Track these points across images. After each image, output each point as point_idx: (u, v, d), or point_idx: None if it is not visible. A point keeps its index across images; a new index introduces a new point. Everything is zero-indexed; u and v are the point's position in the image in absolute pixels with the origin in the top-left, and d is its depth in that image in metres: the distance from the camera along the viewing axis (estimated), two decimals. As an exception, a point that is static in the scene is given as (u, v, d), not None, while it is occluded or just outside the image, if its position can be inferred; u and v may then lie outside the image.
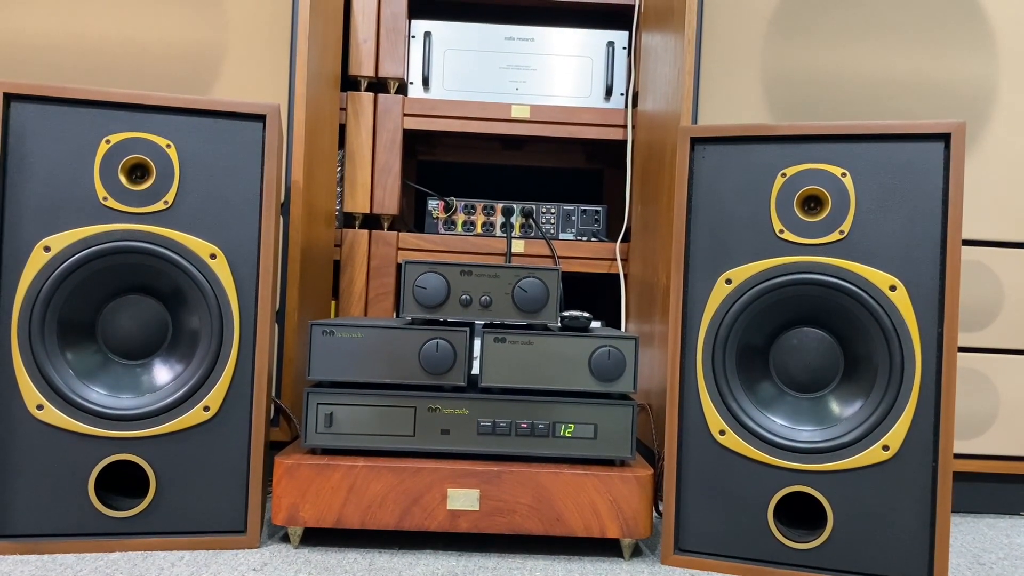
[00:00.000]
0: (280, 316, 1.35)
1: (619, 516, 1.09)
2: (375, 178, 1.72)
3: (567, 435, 1.12)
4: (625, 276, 1.72)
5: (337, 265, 1.70)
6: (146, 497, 1.07)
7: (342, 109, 1.70)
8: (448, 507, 1.08)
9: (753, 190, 1.08)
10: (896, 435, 1.02)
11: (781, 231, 1.06)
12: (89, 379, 1.07)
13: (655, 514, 1.24)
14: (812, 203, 1.07)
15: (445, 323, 1.16)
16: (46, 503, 1.05)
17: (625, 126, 1.75)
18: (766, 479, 1.06)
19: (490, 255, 1.72)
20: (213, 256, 1.08)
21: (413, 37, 1.76)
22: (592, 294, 2.08)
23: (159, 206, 1.08)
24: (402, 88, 1.75)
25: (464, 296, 1.14)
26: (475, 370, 1.27)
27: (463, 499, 1.08)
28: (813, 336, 1.08)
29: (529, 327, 1.17)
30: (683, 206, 1.11)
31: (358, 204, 1.71)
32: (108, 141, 1.07)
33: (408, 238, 1.72)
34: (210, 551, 1.08)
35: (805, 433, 1.06)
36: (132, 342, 1.10)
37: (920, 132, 1.02)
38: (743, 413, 1.07)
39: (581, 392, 1.13)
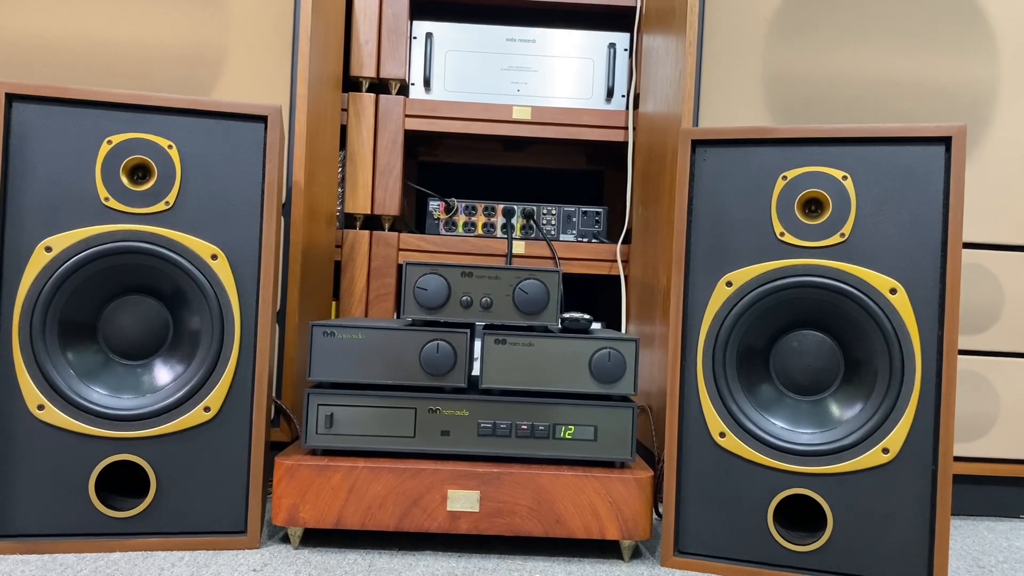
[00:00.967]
0: (281, 317, 1.35)
1: (619, 518, 1.09)
2: (376, 179, 1.72)
3: (567, 437, 1.12)
4: (626, 278, 1.73)
5: (338, 266, 1.70)
6: (146, 497, 1.07)
7: (343, 110, 1.70)
8: (448, 508, 1.09)
9: (754, 193, 1.08)
10: (896, 438, 1.02)
11: (782, 234, 1.07)
12: (90, 379, 1.08)
13: (655, 516, 1.24)
14: (813, 206, 1.07)
15: (446, 324, 1.16)
16: (47, 503, 1.05)
17: (626, 128, 1.75)
18: (766, 481, 1.06)
19: (491, 256, 1.72)
20: (214, 257, 1.08)
21: (414, 38, 1.76)
22: (592, 295, 2.08)
23: (160, 207, 1.08)
24: (403, 89, 1.75)
25: (465, 297, 1.14)
26: (475, 371, 1.27)
27: (463, 500, 1.09)
28: (813, 339, 1.08)
29: (530, 329, 1.17)
30: (684, 208, 1.11)
31: (359, 205, 1.71)
32: (110, 142, 1.07)
33: (409, 239, 1.72)
34: (210, 551, 1.08)
35: (805, 436, 1.06)
36: (133, 342, 1.10)
37: (921, 135, 1.02)
38: (743, 415, 1.07)
39: (581, 394, 1.13)
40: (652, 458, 1.34)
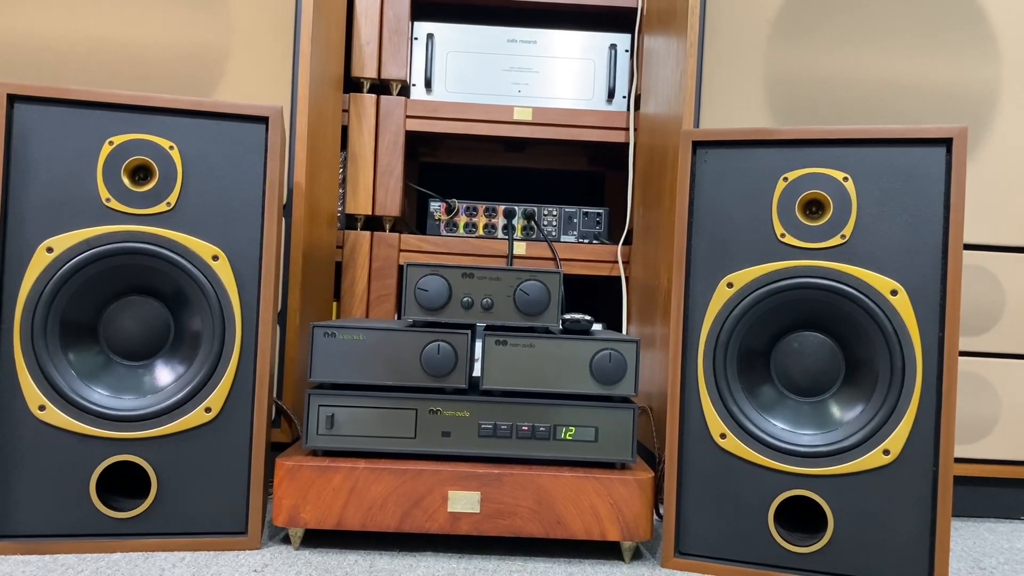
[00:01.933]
0: (282, 317, 1.35)
1: (620, 519, 1.09)
2: (377, 180, 1.72)
3: (568, 438, 1.12)
4: (626, 279, 1.73)
5: (339, 267, 1.70)
6: (147, 498, 1.07)
7: (344, 111, 1.71)
8: (449, 509, 1.09)
9: (755, 194, 1.08)
10: (897, 439, 1.02)
11: (783, 235, 1.07)
12: (91, 380, 1.08)
13: (656, 517, 1.24)
14: (814, 207, 1.07)
15: (446, 325, 1.16)
16: (48, 503, 1.05)
17: (627, 129, 1.75)
18: (767, 483, 1.06)
19: (492, 257, 1.72)
20: (215, 258, 1.08)
21: (415, 39, 1.76)
22: (593, 297, 2.08)
23: (162, 207, 1.08)
24: (404, 90, 1.76)
25: (466, 299, 1.14)
26: (476, 372, 1.27)
27: (464, 501, 1.09)
28: (814, 340, 1.08)
29: (530, 330, 1.17)
30: (685, 210, 1.11)
31: (360, 206, 1.71)
32: (111, 142, 1.07)
33: (410, 240, 1.72)
34: (211, 552, 1.08)
35: (806, 437, 1.06)
36: (134, 343, 1.10)
37: (922, 136, 1.02)
38: (744, 417, 1.07)
39: (582, 395, 1.14)
40: (653, 459, 1.34)
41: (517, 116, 1.74)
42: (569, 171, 2.09)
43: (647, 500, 1.10)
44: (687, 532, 1.10)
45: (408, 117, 1.73)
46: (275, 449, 1.26)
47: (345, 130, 1.71)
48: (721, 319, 1.08)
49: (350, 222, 1.73)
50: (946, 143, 1.02)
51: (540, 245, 1.73)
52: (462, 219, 1.77)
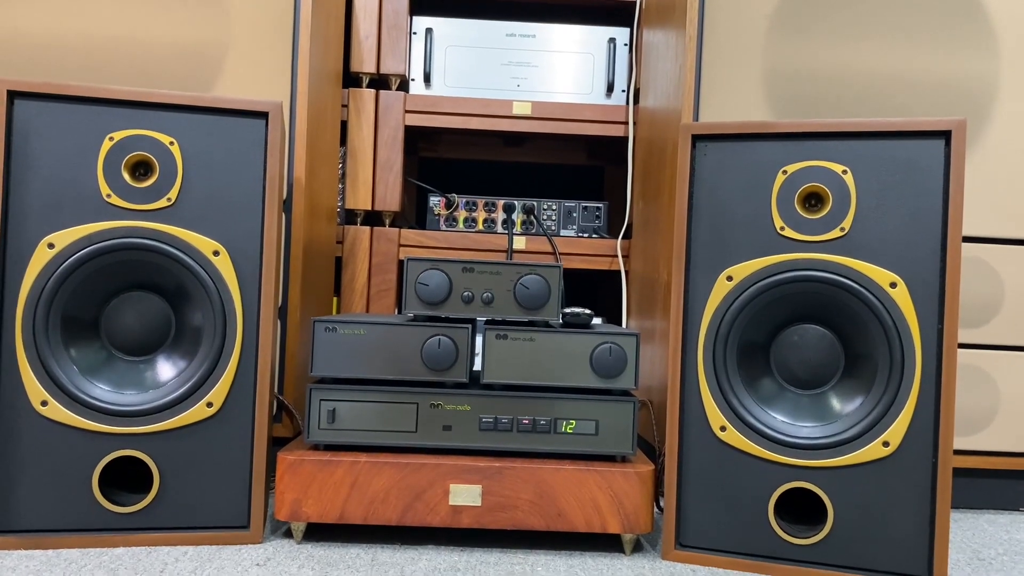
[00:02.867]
0: (282, 313, 1.35)
1: (620, 511, 1.10)
2: (377, 175, 1.72)
3: (568, 431, 1.13)
4: (626, 273, 1.73)
5: (339, 262, 1.71)
6: (150, 493, 1.07)
7: (344, 106, 1.70)
8: (450, 503, 1.09)
9: (754, 187, 1.08)
10: (896, 431, 1.02)
11: (782, 228, 1.07)
12: (93, 375, 1.08)
13: (656, 510, 1.24)
14: (813, 200, 1.07)
15: (447, 320, 1.17)
16: (50, 498, 1.06)
17: (626, 123, 1.75)
18: (767, 475, 1.07)
19: (491, 252, 1.72)
20: (216, 253, 1.09)
21: (414, 34, 1.76)
22: (593, 291, 2.08)
23: (162, 203, 1.08)
24: (403, 85, 1.76)
25: (466, 293, 1.14)
26: (477, 367, 1.28)
27: (465, 495, 1.09)
28: (814, 333, 1.09)
29: (531, 324, 1.18)
30: (684, 203, 1.11)
31: (360, 201, 1.71)
32: (111, 138, 1.07)
33: (410, 235, 1.73)
34: (214, 546, 1.08)
35: (806, 429, 1.06)
36: (135, 339, 1.11)
37: (921, 129, 1.03)
38: (744, 409, 1.08)
39: (582, 388, 1.14)
40: (653, 452, 1.35)
41: (516, 110, 1.74)
42: (568, 165, 2.09)
43: (648, 493, 1.11)
44: (687, 524, 1.10)
45: (407, 112, 1.73)
46: (276, 444, 1.27)
47: (344, 125, 1.71)
48: (721, 312, 1.08)
49: (350, 217, 1.73)
50: (945, 136, 1.02)
51: (540, 239, 1.73)
52: (462, 214, 1.78)
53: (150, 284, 1.10)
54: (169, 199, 1.08)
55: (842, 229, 1.05)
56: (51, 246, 1.05)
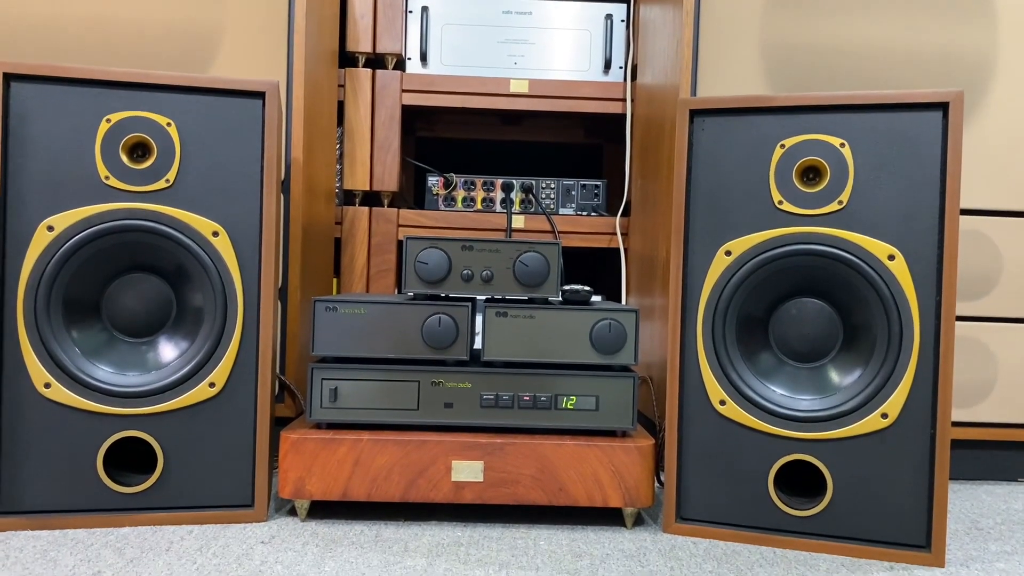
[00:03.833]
0: (283, 294, 1.36)
1: (621, 485, 1.11)
2: (374, 155, 1.72)
3: (569, 407, 1.14)
4: (625, 250, 1.73)
5: (338, 243, 1.71)
6: (154, 473, 1.08)
7: (340, 86, 1.70)
8: (452, 479, 1.10)
9: (752, 161, 1.08)
10: (895, 403, 1.03)
11: (780, 202, 1.07)
12: (95, 357, 1.08)
13: (657, 484, 1.25)
14: (811, 174, 1.07)
15: (447, 298, 1.17)
16: (56, 480, 1.06)
17: (624, 99, 1.75)
18: (766, 448, 1.07)
19: (490, 231, 1.72)
20: (215, 234, 1.09)
21: (410, 12, 1.75)
22: (592, 269, 2.09)
23: (161, 184, 1.08)
24: (400, 64, 1.75)
25: (466, 271, 1.14)
26: (477, 345, 1.28)
27: (467, 471, 1.10)
28: (812, 306, 1.09)
29: (530, 301, 1.18)
30: (682, 178, 1.11)
31: (358, 181, 1.71)
32: (109, 120, 1.07)
33: (408, 215, 1.73)
34: (218, 525, 1.09)
35: (804, 402, 1.07)
36: (137, 320, 1.11)
37: (918, 101, 1.03)
38: (743, 383, 1.08)
39: (582, 365, 1.14)
40: (654, 428, 1.36)
41: (513, 88, 1.73)
42: (566, 144, 2.09)
43: (648, 467, 1.12)
44: (688, 497, 1.11)
45: (404, 91, 1.73)
46: (278, 424, 1.28)
47: (341, 106, 1.71)
48: (720, 287, 1.09)
49: (348, 198, 1.73)
50: (942, 107, 1.02)
51: (538, 218, 1.74)
52: (460, 193, 1.77)
53: (150, 266, 1.11)
54: (167, 180, 1.08)
55: (840, 202, 1.05)
56: (50, 228, 1.05)
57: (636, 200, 1.68)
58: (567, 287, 1.19)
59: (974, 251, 1.40)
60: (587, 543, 1.07)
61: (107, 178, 1.07)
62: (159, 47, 1.36)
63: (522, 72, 1.77)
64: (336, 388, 1.12)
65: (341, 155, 1.71)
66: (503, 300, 1.19)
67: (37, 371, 1.05)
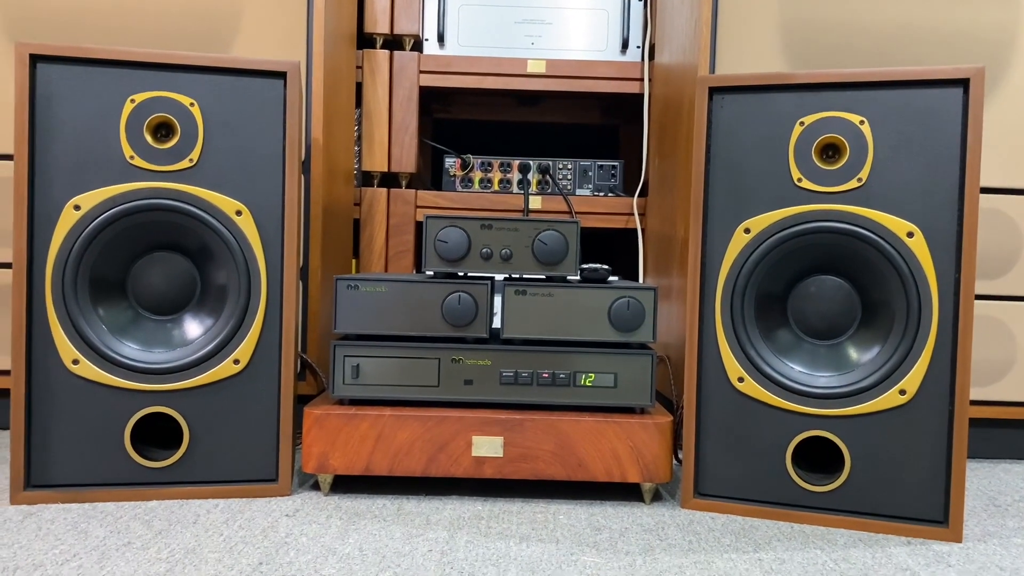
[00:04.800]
0: (303, 274, 1.37)
1: (639, 461, 1.12)
2: (392, 136, 1.73)
3: (588, 384, 1.15)
4: (642, 231, 1.73)
5: (356, 224, 1.72)
6: (180, 448, 1.10)
7: (358, 67, 1.71)
8: (473, 454, 1.11)
9: (771, 139, 1.09)
10: (913, 380, 1.03)
11: (799, 180, 1.07)
12: (122, 334, 1.10)
13: (675, 461, 1.26)
14: (830, 151, 1.07)
15: (466, 277, 1.18)
16: (85, 454, 1.09)
17: (642, 79, 1.74)
18: (784, 424, 1.08)
19: (508, 211, 1.73)
20: (239, 213, 1.10)
21: (428, -7, 1.76)
22: (610, 250, 2.09)
23: (184, 164, 1.10)
24: (417, 45, 1.75)
25: (485, 250, 1.15)
26: (496, 324, 1.29)
27: (487, 446, 1.11)
28: (831, 284, 1.09)
29: (549, 279, 1.19)
30: (701, 156, 1.12)
31: (376, 162, 1.72)
32: (133, 100, 1.09)
33: (426, 196, 1.73)
34: (244, 499, 1.11)
35: (823, 379, 1.08)
36: (162, 298, 1.13)
37: (938, 78, 1.02)
38: (761, 360, 1.09)
39: (601, 342, 1.15)
40: (672, 408, 1.37)
41: (531, 69, 1.73)
42: (583, 124, 2.08)
43: (666, 443, 1.13)
44: (706, 473, 1.12)
45: (422, 72, 1.73)
46: (300, 402, 1.29)
47: (359, 87, 1.72)
48: (739, 265, 1.09)
49: (366, 179, 1.74)
50: (963, 84, 1.02)
51: (555, 199, 1.74)
52: (477, 175, 1.78)
53: (175, 244, 1.12)
54: (191, 160, 1.10)
55: (859, 180, 1.05)
56: (77, 208, 1.07)
57: (653, 180, 1.68)
58: (585, 266, 1.20)
59: (993, 230, 1.40)
60: (606, 517, 1.08)
61: (132, 158, 1.08)
62: (180, 26, 1.37)
63: (539, 52, 1.77)
64: (358, 365, 1.14)
65: (359, 137, 1.72)
66: (522, 279, 1.20)
67: (65, 348, 1.07)
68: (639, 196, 1.74)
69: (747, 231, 1.09)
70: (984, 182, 1.38)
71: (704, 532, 1.03)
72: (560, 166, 1.78)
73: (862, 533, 1.05)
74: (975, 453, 1.48)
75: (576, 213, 1.74)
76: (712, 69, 1.35)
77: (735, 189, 1.10)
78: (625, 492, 1.18)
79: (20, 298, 1.06)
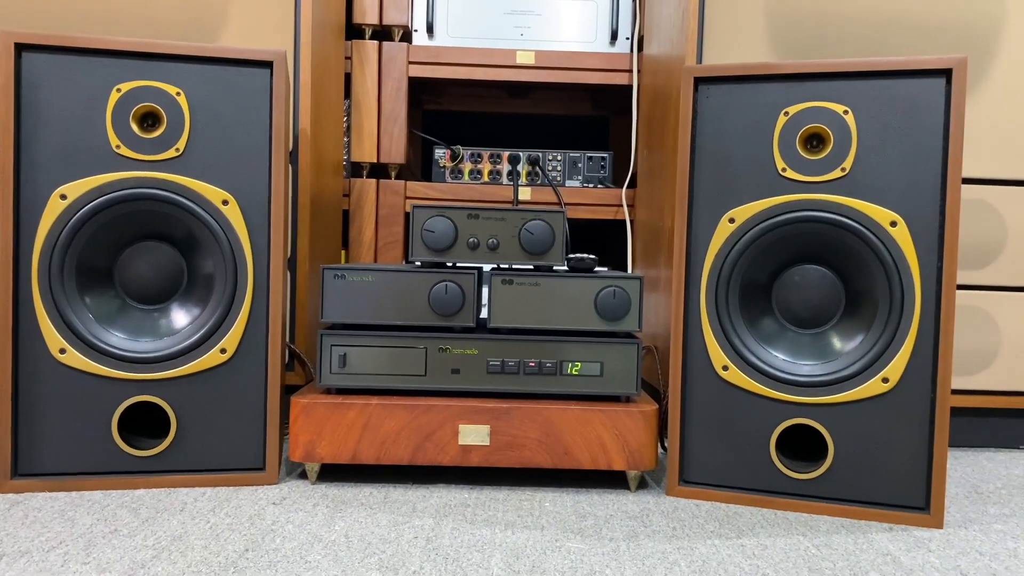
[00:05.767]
0: (291, 264, 1.37)
1: (625, 449, 1.12)
2: (381, 127, 1.73)
3: (574, 373, 1.15)
4: (631, 222, 1.74)
5: (346, 215, 1.72)
6: (167, 437, 1.11)
7: (347, 58, 1.71)
8: (459, 442, 1.12)
9: (756, 129, 1.09)
10: (896, 368, 1.04)
11: (784, 169, 1.08)
12: (109, 323, 1.11)
13: (660, 449, 1.27)
14: (814, 141, 1.08)
15: (454, 267, 1.18)
16: (72, 443, 1.09)
17: (631, 71, 1.75)
18: (768, 412, 1.09)
19: (497, 203, 1.73)
20: (225, 202, 1.10)
21: (417, -16, 1.75)
22: (599, 241, 2.10)
23: (171, 153, 1.10)
24: (406, 36, 1.75)
25: (472, 239, 1.16)
26: (484, 315, 1.30)
27: (474, 434, 1.12)
28: (815, 273, 1.10)
29: (536, 269, 1.20)
30: (687, 146, 1.12)
31: (365, 153, 1.72)
32: (119, 90, 1.09)
33: (416, 187, 1.74)
34: (231, 487, 1.12)
35: (806, 367, 1.09)
36: (149, 287, 1.13)
37: (922, 68, 1.03)
38: (746, 349, 1.10)
39: (587, 331, 1.16)
40: (658, 396, 1.37)
41: (520, 60, 1.73)
42: (573, 116, 2.09)
43: (652, 431, 1.13)
44: (691, 461, 1.13)
45: (411, 63, 1.73)
46: (288, 392, 1.30)
47: (348, 78, 1.72)
48: (723, 254, 1.10)
49: (355, 170, 1.74)
50: (946, 74, 1.02)
51: (545, 190, 1.74)
52: (467, 166, 1.78)
53: (161, 234, 1.12)
54: (177, 149, 1.10)
55: (843, 169, 1.05)
56: (63, 197, 1.07)
57: (642, 172, 1.69)
58: (572, 255, 1.21)
59: (978, 220, 1.41)
60: (591, 504, 1.09)
61: (118, 147, 1.08)
62: (167, 16, 1.37)
63: (528, 44, 1.77)
64: (345, 354, 1.14)
65: (348, 127, 1.72)
66: (509, 268, 1.20)
67: (52, 337, 1.07)
68: (628, 187, 1.75)
69: (732, 221, 1.10)
70: (970, 173, 1.39)
71: (688, 519, 1.04)
72: (549, 157, 1.78)
73: (844, 520, 1.06)
74: (959, 442, 1.49)
75: (565, 204, 1.74)
76: (699, 60, 1.35)
77: (720, 179, 1.11)
78: (611, 480, 1.19)
79: (6, 287, 1.06)
